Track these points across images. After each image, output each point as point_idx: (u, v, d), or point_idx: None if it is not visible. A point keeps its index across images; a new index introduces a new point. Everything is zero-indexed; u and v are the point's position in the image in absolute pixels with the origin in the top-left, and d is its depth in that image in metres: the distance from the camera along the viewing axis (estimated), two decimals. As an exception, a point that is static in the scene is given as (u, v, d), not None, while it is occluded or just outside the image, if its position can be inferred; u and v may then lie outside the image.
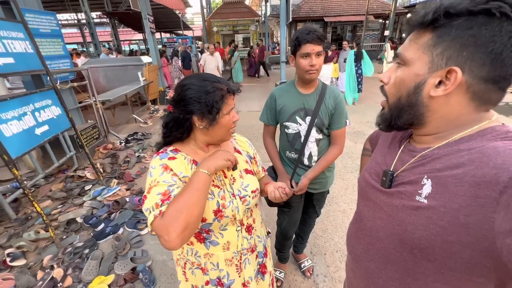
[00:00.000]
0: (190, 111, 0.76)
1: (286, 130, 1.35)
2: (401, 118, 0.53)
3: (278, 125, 1.42)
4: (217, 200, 0.80)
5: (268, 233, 1.09)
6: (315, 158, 1.36)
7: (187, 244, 0.88)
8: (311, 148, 1.34)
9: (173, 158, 0.80)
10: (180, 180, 0.76)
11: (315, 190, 1.45)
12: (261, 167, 1.05)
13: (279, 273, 1.73)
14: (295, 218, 1.55)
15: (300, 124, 1.30)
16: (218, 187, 0.83)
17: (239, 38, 15.28)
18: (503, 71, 0.42)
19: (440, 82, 0.46)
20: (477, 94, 0.45)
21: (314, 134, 1.31)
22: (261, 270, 0.98)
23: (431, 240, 0.45)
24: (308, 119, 1.28)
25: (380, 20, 15.29)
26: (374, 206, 0.60)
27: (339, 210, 2.43)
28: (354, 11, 14.43)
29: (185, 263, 0.90)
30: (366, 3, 11.17)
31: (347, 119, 1.32)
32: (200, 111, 0.75)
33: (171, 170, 0.76)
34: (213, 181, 0.83)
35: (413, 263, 0.50)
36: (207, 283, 0.88)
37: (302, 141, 1.31)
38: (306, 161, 1.37)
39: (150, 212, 0.68)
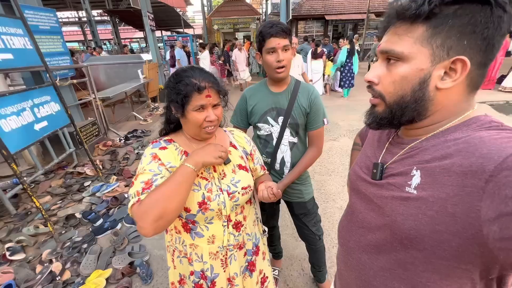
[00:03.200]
0: (168, 100, 0.80)
1: (258, 132, 1.28)
2: (404, 116, 0.51)
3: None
4: (203, 192, 0.80)
5: (264, 231, 1.07)
6: (288, 164, 1.28)
7: (176, 232, 0.89)
8: (284, 152, 1.26)
9: (164, 148, 0.81)
10: (167, 170, 0.77)
11: (289, 198, 1.39)
12: (259, 165, 1.02)
13: (273, 271, 1.70)
14: (271, 217, 1.53)
15: (272, 125, 1.23)
16: (206, 179, 0.83)
17: (239, 36, 15.25)
18: (492, 54, 0.44)
19: (444, 73, 0.46)
20: (473, 80, 0.46)
21: (288, 137, 1.24)
22: (249, 267, 0.96)
23: (420, 230, 0.46)
24: (280, 119, 1.20)
25: (382, 18, 15.21)
26: (365, 198, 0.61)
27: (336, 206, 2.44)
28: (356, 9, 14.36)
29: (174, 251, 0.91)
30: (368, 1, 11.12)
31: (325, 117, 1.23)
32: (172, 100, 0.79)
33: (159, 159, 0.78)
34: (202, 172, 0.83)
35: (403, 253, 0.50)
36: (191, 273, 0.88)
37: (274, 143, 1.24)
38: (277, 166, 1.29)
39: (131, 198, 0.71)
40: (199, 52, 8.08)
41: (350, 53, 6.12)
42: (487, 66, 0.45)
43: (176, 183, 0.70)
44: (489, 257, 0.40)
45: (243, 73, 7.84)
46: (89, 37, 14.57)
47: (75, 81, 3.58)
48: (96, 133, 3.73)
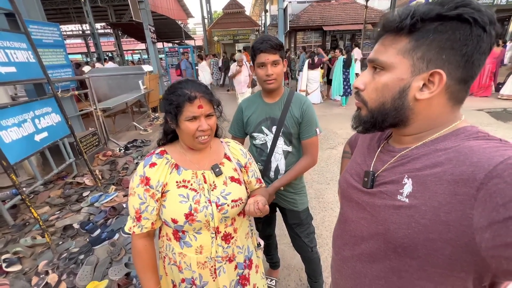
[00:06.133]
0: (164, 110, 0.83)
1: (253, 141, 1.34)
2: (386, 122, 0.54)
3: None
4: (190, 204, 0.81)
5: (259, 245, 1.06)
6: (282, 172, 1.31)
7: (167, 240, 0.89)
8: (279, 160, 1.29)
9: (154, 164, 0.83)
10: (154, 193, 0.82)
11: (283, 205, 1.40)
12: (254, 178, 1.02)
13: (270, 281, 1.69)
14: (267, 225, 1.53)
15: (267, 135, 1.28)
16: (195, 191, 0.84)
17: (239, 47, 15.54)
18: (471, 71, 0.45)
19: (423, 85, 0.48)
20: (453, 94, 0.48)
21: (282, 145, 1.28)
22: (241, 281, 0.95)
23: (413, 238, 0.46)
24: (274, 128, 1.26)
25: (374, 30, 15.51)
26: (357, 206, 0.61)
27: (335, 215, 2.43)
28: (353, 20, 14.68)
29: (165, 257, 0.92)
30: (364, 13, 11.39)
31: (318, 127, 1.26)
32: (167, 111, 0.82)
33: (147, 183, 0.81)
34: (191, 184, 0.84)
35: (397, 261, 0.51)
36: (182, 280, 0.88)
37: (268, 152, 1.28)
38: (272, 174, 1.32)
39: (130, 218, 0.87)
40: (197, 63, 8.21)
41: (347, 63, 6.28)
42: (468, 83, 0.47)
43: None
44: (482, 265, 0.40)
45: (241, 97, 5.74)
46: (92, 49, 14.87)
47: (76, 92, 3.64)
48: (96, 143, 3.76)
